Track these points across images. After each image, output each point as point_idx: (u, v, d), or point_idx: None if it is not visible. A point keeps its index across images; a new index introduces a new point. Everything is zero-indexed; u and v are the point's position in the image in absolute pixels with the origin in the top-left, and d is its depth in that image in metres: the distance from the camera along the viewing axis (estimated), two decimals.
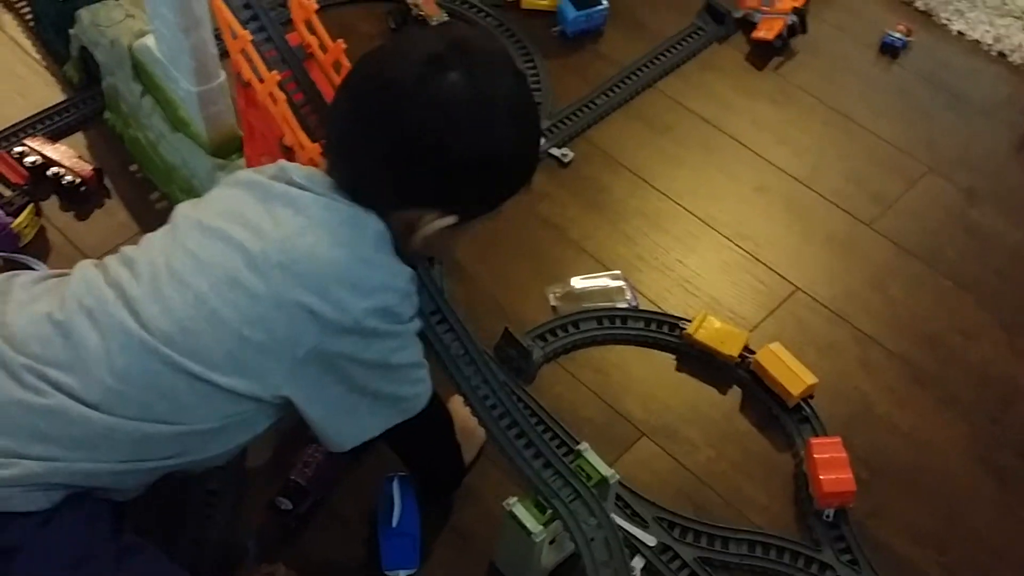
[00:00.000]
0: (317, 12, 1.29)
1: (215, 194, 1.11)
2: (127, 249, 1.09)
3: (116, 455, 1.02)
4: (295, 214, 1.01)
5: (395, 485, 1.33)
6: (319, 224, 1.01)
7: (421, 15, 1.98)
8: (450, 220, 1.06)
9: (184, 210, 1.10)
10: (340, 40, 1.25)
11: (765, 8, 2.06)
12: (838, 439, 1.46)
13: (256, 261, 0.99)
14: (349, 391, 1.07)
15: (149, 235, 1.10)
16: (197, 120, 1.55)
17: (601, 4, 2.04)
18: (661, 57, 2.03)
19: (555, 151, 1.84)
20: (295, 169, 1.06)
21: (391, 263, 1.04)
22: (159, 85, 1.60)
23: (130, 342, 1.00)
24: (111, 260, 1.08)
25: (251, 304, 0.99)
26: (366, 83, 1.04)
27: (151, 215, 1.69)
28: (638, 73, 2.00)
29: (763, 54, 2.06)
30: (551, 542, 1.24)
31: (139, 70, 1.62)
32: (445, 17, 1.98)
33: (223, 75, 1.51)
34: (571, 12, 2.02)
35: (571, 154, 1.84)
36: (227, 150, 1.58)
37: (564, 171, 1.83)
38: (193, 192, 1.64)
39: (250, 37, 1.22)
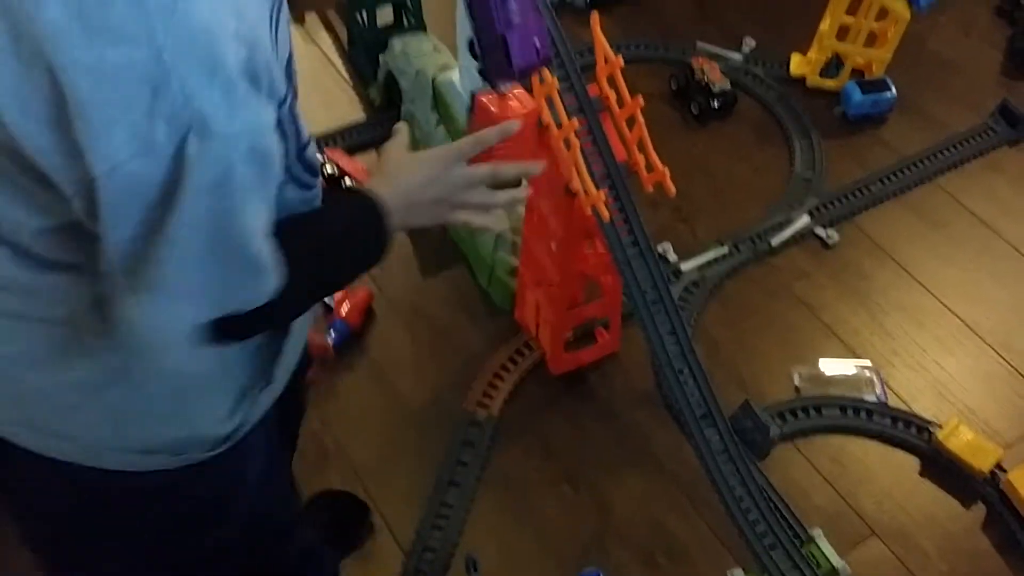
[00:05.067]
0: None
1: None
2: None
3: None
4: None
5: None
6: None
7: (705, 81, 2.01)
8: None
9: None
10: (639, 96, 1.30)
11: None
12: None
13: None
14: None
15: None
16: None
17: (889, 91, 2.01)
18: (945, 152, 1.98)
19: (820, 231, 1.82)
20: None
21: None
22: (454, 117, 1.70)
23: None
24: None
25: None
26: None
27: (424, 236, 1.80)
28: (918, 165, 1.95)
29: None
30: None
31: (438, 101, 1.73)
32: (727, 85, 2.01)
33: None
34: (856, 95, 2.00)
35: (836, 236, 1.82)
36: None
37: (827, 253, 1.81)
38: None
39: (557, 84, 1.28)
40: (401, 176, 0.93)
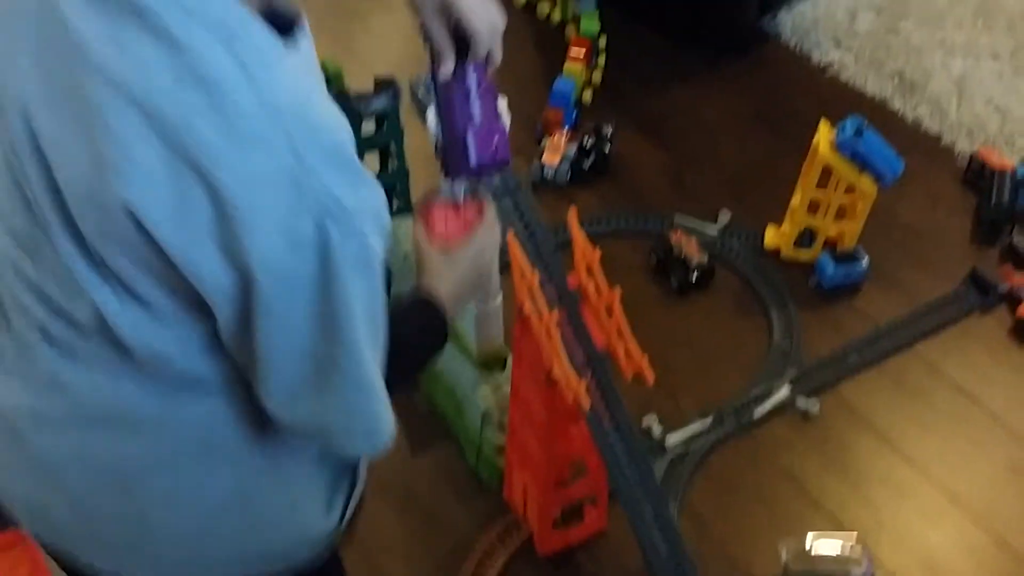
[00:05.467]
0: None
1: None
2: None
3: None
4: None
5: None
6: None
7: (683, 254, 2.08)
8: None
9: None
10: (617, 287, 1.35)
11: None
12: None
13: None
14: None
15: None
16: (470, 334, 1.69)
17: (861, 262, 2.07)
18: (920, 320, 2.03)
19: (801, 402, 1.86)
20: None
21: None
22: None
23: None
24: None
25: None
26: None
27: (413, 414, 1.83)
28: (894, 333, 2.00)
29: None
30: None
31: None
32: (705, 258, 2.08)
33: (500, 297, 1.65)
34: (830, 266, 2.07)
35: (817, 407, 1.85)
36: (492, 365, 1.71)
37: (809, 424, 1.84)
38: (453, 397, 1.76)
39: (536, 279, 1.34)
40: (447, 271, 1.06)
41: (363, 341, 0.79)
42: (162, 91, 0.70)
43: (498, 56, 1.10)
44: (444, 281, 1.04)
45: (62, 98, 0.73)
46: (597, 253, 1.37)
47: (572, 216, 1.39)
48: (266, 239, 0.71)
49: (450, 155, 1.11)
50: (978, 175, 2.29)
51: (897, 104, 2.45)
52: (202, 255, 0.73)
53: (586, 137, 2.30)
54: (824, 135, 1.97)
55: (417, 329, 1.01)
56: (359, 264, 0.76)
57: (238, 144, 0.70)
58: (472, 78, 1.09)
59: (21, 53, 0.75)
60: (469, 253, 1.08)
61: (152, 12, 0.69)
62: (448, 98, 1.10)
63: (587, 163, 2.29)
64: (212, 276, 0.74)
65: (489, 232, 1.11)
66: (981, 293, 2.07)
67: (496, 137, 1.11)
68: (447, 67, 1.07)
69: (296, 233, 0.72)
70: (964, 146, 2.36)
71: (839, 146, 1.93)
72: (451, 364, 1.75)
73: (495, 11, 1.07)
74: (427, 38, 1.08)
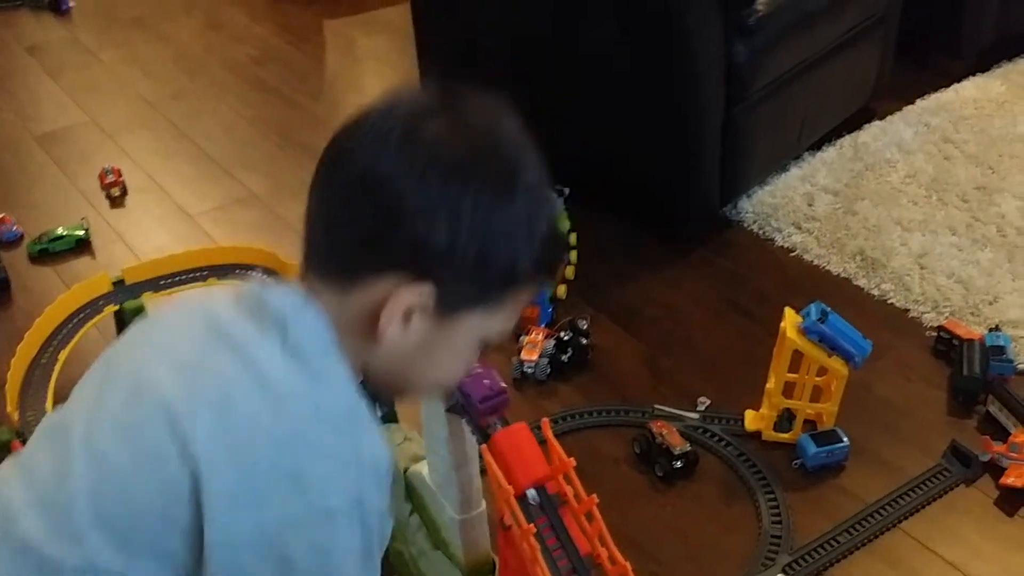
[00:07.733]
0: (563, 435, 1.43)
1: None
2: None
3: None
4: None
5: None
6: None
7: (665, 444, 2.10)
8: (427, 289, 0.91)
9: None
10: (593, 495, 1.38)
11: (1013, 454, 2.05)
12: None
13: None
14: None
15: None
16: (456, 542, 1.70)
17: (842, 441, 2.09)
18: (905, 496, 2.03)
19: None
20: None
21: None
22: (426, 507, 1.77)
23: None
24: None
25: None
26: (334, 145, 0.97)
27: None
28: (881, 512, 2.00)
29: (1013, 500, 2.02)
30: None
31: (411, 491, 1.80)
32: (688, 447, 2.10)
33: (484, 504, 1.67)
34: (811, 447, 2.09)
35: None
36: (480, 572, 1.70)
37: None
38: None
39: (513, 492, 1.36)
40: None
41: None
42: None
43: None
44: None
45: None
46: (572, 462, 1.40)
47: (546, 427, 1.43)
48: None
49: (467, 409, 1.40)
50: (948, 346, 2.34)
51: (861, 281, 2.53)
52: None
53: (563, 332, 2.36)
54: (790, 320, 2.03)
55: None
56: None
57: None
58: None
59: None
60: None
61: None
62: None
63: (565, 357, 2.34)
64: None
65: None
66: (963, 465, 2.08)
67: (486, 379, 1.38)
68: None
69: None
70: (931, 318, 2.43)
71: (805, 331, 1.99)
72: (440, 573, 1.74)
73: None
74: None
